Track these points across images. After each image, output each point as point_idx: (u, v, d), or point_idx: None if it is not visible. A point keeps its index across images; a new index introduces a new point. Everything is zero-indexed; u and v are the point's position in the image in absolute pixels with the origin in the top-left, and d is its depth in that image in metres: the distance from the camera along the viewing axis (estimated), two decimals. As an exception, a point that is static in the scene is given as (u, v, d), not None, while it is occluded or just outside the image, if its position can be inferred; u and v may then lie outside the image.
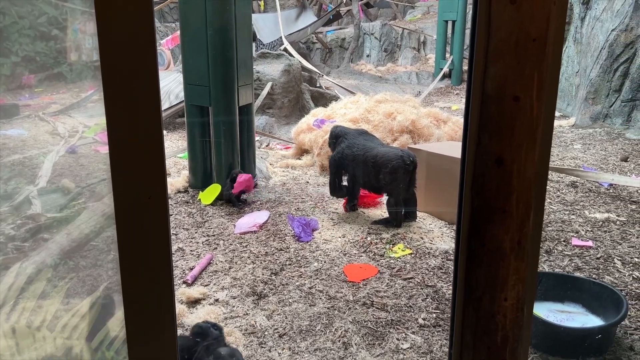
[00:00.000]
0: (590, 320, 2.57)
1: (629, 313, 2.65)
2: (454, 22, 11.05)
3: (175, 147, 6.22)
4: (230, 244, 3.59)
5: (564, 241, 3.55)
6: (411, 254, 3.44)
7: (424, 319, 2.70)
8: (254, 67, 5.68)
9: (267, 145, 6.36)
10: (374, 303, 2.85)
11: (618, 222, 3.85)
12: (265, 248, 3.51)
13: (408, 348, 2.47)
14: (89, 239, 2.32)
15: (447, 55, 11.48)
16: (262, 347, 2.48)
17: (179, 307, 2.78)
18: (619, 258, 3.30)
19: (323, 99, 7.73)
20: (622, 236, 3.62)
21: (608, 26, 6.74)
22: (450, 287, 2.98)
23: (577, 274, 3.08)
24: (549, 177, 2.27)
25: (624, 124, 6.61)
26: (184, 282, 3.06)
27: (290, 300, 2.88)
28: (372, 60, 14.20)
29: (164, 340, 1.05)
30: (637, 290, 2.92)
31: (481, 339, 1.19)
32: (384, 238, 3.67)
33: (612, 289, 2.60)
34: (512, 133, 1.08)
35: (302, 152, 5.69)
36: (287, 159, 5.65)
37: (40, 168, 3.68)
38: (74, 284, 1.93)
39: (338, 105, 6.15)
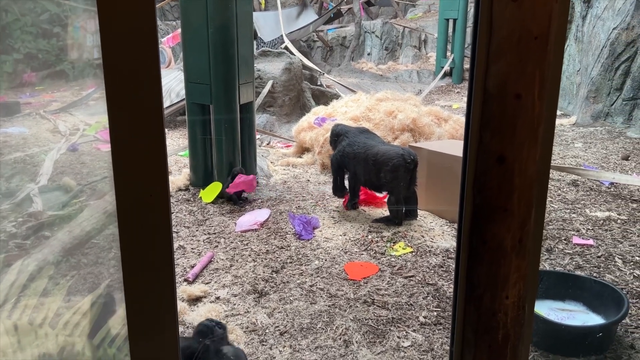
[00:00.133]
0: (591, 319, 2.57)
1: (629, 311, 2.65)
2: (455, 20, 11.03)
3: (176, 145, 6.22)
4: (231, 242, 3.59)
5: (564, 240, 3.56)
6: (412, 252, 3.44)
7: (424, 317, 2.70)
8: (254, 65, 5.68)
9: (268, 144, 6.36)
10: (375, 301, 2.85)
11: (619, 221, 3.85)
12: (266, 246, 3.52)
13: (409, 346, 2.48)
14: (90, 236, 2.32)
15: (448, 53, 11.47)
16: (263, 344, 2.49)
17: (180, 305, 2.78)
18: (620, 256, 3.30)
19: (324, 97, 7.73)
20: (623, 235, 3.62)
21: (609, 25, 6.73)
22: (451, 285, 2.98)
23: (578, 273, 3.08)
24: (550, 175, 2.26)
25: (625, 123, 6.60)
26: (185, 280, 3.07)
27: (291, 298, 2.88)
28: (373, 59, 14.18)
29: (166, 337, 1.05)
30: (638, 289, 2.92)
31: (482, 337, 1.20)
32: (385, 236, 3.67)
33: (613, 287, 2.60)
34: (513, 131, 1.08)
35: (302, 150, 5.69)
36: (288, 157, 5.65)
37: (41, 166, 3.68)
38: (75, 282, 1.94)
39: (339, 104, 6.15)
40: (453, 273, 2.55)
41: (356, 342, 2.50)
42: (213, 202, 4.28)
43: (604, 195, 4.39)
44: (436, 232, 3.75)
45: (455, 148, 4.01)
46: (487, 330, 1.18)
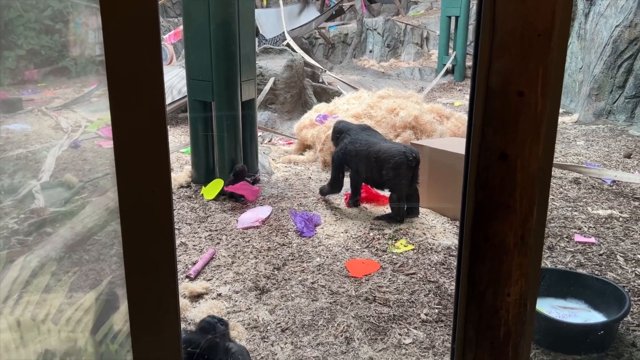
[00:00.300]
0: (593, 317, 2.57)
1: (631, 309, 2.65)
2: (457, 17, 11.01)
3: (178, 142, 6.22)
4: (233, 239, 3.59)
5: (566, 237, 3.55)
6: (413, 249, 3.44)
7: (426, 315, 2.70)
8: (256, 62, 5.68)
9: (269, 141, 6.35)
10: (376, 298, 2.85)
11: (621, 219, 3.84)
12: (268, 243, 3.52)
13: (410, 343, 2.48)
14: (92, 233, 2.33)
15: (450, 51, 11.45)
16: (265, 341, 2.49)
17: (182, 302, 2.79)
18: (622, 254, 3.30)
19: (325, 94, 7.72)
20: (625, 233, 3.62)
21: (612, 22, 6.71)
22: (453, 283, 2.98)
23: (580, 270, 3.08)
24: (552, 173, 2.26)
25: (628, 121, 6.59)
26: (187, 277, 3.07)
27: (292, 295, 2.88)
28: (375, 56, 14.16)
29: (168, 334, 1.05)
30: (640, 287, 2.92)
31: (484, 335, 1.20)
32: (387, 234, 3.67)
33: (615, 285, 2.59)
34: (516, 128, 1.08)
35: (304, 147, 5.68)
36: (290, 154, 5.65)
37: (43, 162, 3.68)
38: (77, 278, 1.94)
39: (341, 101, 6.14)
40: (455, 270, 2.55)
41: (357, 339, 2.50)
42: (215, 199, 4.28)
43: (606, 193, 4.38)
44: (438, 230, 3.75)
45: (457, 146, 4.00)
46: (489, 327, 1.19)
